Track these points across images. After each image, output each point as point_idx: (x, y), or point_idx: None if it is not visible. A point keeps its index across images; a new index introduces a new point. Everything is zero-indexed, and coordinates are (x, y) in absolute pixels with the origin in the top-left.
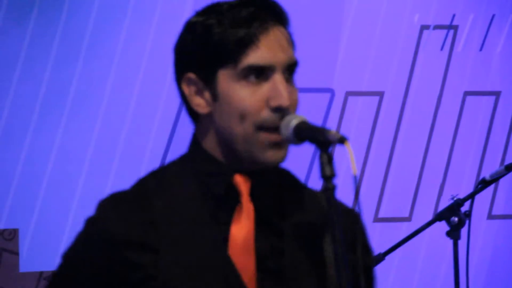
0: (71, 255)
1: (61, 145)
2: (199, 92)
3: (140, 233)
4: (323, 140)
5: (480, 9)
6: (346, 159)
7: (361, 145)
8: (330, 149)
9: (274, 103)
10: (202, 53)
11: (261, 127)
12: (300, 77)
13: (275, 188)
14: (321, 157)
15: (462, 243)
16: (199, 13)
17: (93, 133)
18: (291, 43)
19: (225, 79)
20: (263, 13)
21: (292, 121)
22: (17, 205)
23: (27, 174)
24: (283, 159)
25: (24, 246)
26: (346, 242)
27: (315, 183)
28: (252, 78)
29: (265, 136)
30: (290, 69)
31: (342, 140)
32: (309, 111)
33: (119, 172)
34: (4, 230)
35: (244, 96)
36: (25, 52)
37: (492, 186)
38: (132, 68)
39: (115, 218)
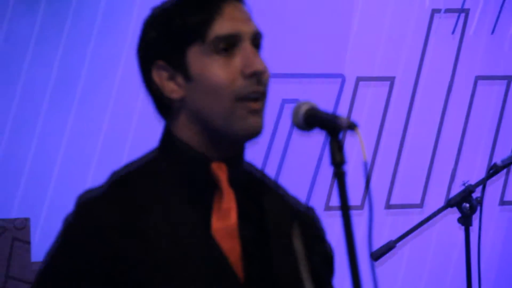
0: (56, 253)
1: (72, 134)
2: (170, 77)
3: (123, 224)
4: (333, 127)
5: None
6: (357, 145)
7: (372, 131)
8: (340, 135)
9: (248, 70)
10: (168, 36)
11: (239, 98)
12: (311, 63)
13: (248, 176)
14: (331, 144)
15: (473, 229)
16: (155, 7)
17: (103, 122)
18: (251, 17)
19: (195, 57)
20: None
21: (302, 108)
22: (28, 195)
23: (38, 163)
24: (262, 126)
25: (36, 235)
26: (313, 236)
27: (326, 169)
28: (222, 50)
29: (244, 106)
30: (256, 41)
31: (352, 127)
32: (320, 96)
33: (131, 159)
34: (15, 220)
35: (217, 70)
36: (35, 37)
37: (503, 172)
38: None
39: (96, 212)
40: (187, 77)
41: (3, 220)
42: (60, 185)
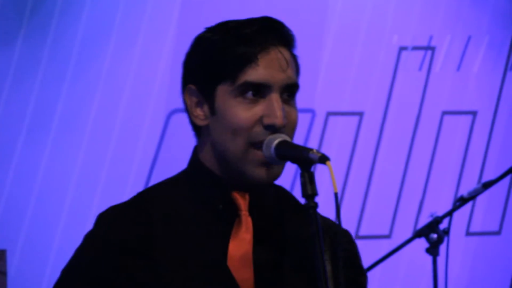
0: (71, 269)
1: (47, 165)
2: (199, 104)
3: (139, 243)
4: (304, 159)
5: (457, 31)
6: (327, 177)
7: (341, 164)
8: (312, 168)
9: (267, 121)
10: (204, 67)
11: (253, 144)
12: None
13: (272, 202)
14: (302, 176)
15: (441, 259)
16: (208, 29)
17: (79, 154)
18: (294, 65)
19: (223, 95)
20: (266, 32)
21: (274, 141)
22: (5, 226)
23: (14, 194)
24: (273, 178)
25: (12, 266)
26: (343, 260)
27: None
28: (249, 95)
29: (256, 153)
30: (290, 90)
31: (323, 159)
32: None
33: (106, 193)
34: None
35: (238, 112)
36: (12, 74)
37: (470, 204)
38: (117, 88)
39: (115, 228)
40: (212, 109)
41: None
42: (36, 216)
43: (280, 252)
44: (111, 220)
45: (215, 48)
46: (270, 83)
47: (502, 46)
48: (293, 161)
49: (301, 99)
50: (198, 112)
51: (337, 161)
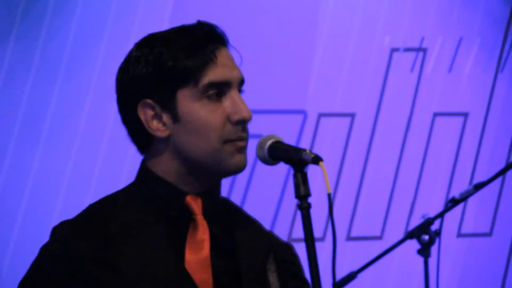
0: (29, 283)
1: (39, 166)
2: (156, 116)
3: (97, 252)
4: (297, 160)
5: (449, 32)
6: (319, 178)
7: (333, 165)
8: (305, 169)
9: (236, 117)
10: (159, 78)
11: (227, 140)
12: (274, 99)
13: (222, 210)
14: (295, 177)
15: (432, 260)
16: (141, 44)
17: (71, 154)
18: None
19: (185, 99)
20: (212, 35)
21: (267, 142)
22: None
23: (6, 195)
24: (246, 163)
25: (4, 267)
26: (289, 271)
27: (288, 202)
28: (212, 95)
29: (231, 145)
30: (241, 85)
31: (316, 160)
32: (283, 132)
33: (98, 194)
34: None
35: (206, 114)
36: (4, 74)
37: (461, 205)
38: (109, 88)
39: (72, 239)
40: (175, 117)
41: None
42: (28, 218)
43: (234, 258)
44: (68, 234)
45: (169, 55)
46: (230, 80)
47: (493, 48)
48: (286, 162)
49: (293, 101)
50: (156, 124)
51: (329, 162)
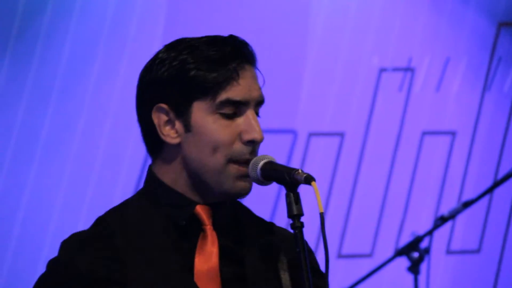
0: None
1: (34, 186)
2: (169, 122)
3: (106, 269)
4: (290, 180)
5: (436, 52)
6: (309, 195)
7: (323, 184)
8: (297, 188)
9: (247, 137)
10: (178, 85)
11: (232, 160)
12: (264, 119)
13: (233, 217)
14: (288, 197)
15: (422, 278)
16: (170, 47)
17: (64, 176)
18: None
19: (199, 111)
20: (240, 52)
21: (260, 162)
22: None
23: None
24: (249, 190)
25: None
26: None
27: (280, 221)
28: (228, 111)
29: (235, 168)
30: (259, 106)
31: (308, 180)
32: (273, 151)
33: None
34: None
35: (217, 128)
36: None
37: (450, 222)
38: (102, 109)
39: (80, 256)
40: (187, 126)
41: None
42: (23, 236)
43: (242, 265)
44: (77, 248)
45: (193, 65)
46: (248, 100)
47: (480, 67)
48: (278, 182)
49: (283, 120)
50: (168, 130)
51: (319, 181)
